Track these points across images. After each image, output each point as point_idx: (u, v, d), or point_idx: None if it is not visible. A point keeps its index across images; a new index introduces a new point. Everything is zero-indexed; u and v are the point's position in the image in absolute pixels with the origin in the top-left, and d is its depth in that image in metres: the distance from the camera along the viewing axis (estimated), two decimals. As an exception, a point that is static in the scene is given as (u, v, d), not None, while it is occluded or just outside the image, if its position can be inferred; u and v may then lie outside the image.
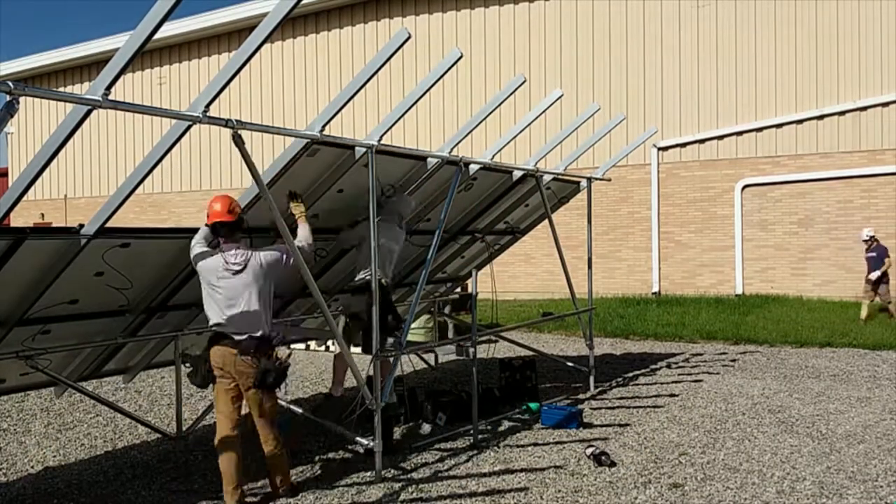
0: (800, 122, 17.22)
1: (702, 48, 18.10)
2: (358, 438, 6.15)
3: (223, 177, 23.57)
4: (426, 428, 7.32)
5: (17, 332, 5.43)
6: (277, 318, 6.55)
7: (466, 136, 7.07)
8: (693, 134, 18.17)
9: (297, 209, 5.73)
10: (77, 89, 25.74)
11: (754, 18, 17.60)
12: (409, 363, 10.19)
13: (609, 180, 11.53)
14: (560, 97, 7.61)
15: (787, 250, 17.35)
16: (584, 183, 9.64)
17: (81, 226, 5.00)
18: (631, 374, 10.15)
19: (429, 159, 6.82)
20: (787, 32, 17.31)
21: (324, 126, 5.46)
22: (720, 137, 17.95)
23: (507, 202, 8.79)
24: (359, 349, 6.98)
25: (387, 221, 6.79)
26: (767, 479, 5.79)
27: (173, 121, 4.77)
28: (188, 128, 4.76)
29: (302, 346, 10.72)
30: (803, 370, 10.23)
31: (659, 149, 18.38)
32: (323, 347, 10.95)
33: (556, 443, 6.83)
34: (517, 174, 8.25)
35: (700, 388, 9.14)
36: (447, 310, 11.16)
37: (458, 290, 11.78)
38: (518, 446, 6.78)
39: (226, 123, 4.68)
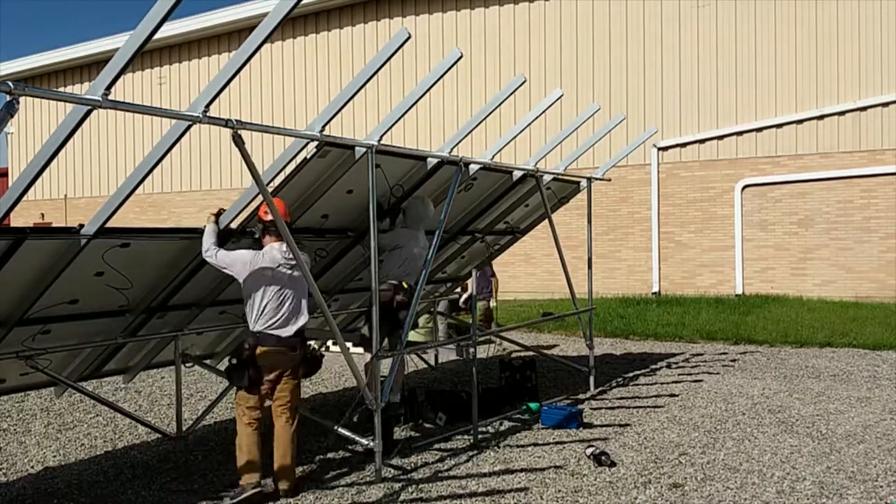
0: (800, 122, 17.21)
1: (702, 48, 18.10)
2: (358, 438, 6.15)
3: (223, 177, 23.57)
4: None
5: (17, 332, 5.43)
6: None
7: (466, 136, 7.07)
8: (693, 134, 18.17)
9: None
10: (77, 89, 25.74)
11: (754, 18, 17.59)
12: (409, 363, 10.18)
13: (609, 180, 11.54)
14: (560, 97, 7.60)
15: (787, 250, 17.34)
16: (584, 183, 9.64)
17: (81, 226, 4.99)
18: (631, 374, 10.15)
19: (429, 159, 6.82)
20: (787, 32, 17.31)
21: (324, 126, 5.47)
22: (720, 137, 17.94)
23: (507, 202, 8.79)
24: (360, 349, 6.99)
25: (413, 229, 7.10)
26: (767, 479, 5.79)
27: (173, 121, 4.77)
28: (188, 128, 4.76)
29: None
30: (803, 370, 10.23)
31: (659, 149, 18.38)
32: (323, 348, 10.94)
33: (556, 443, 6.83)
34: (517, 174, 8.25)
35: (700, 388, 9.14)
36: (440, 307, 11.20)
37: (458, 290, 11.79)
38: (518, 446, 6.78)
39: (226, 123, 4.68)
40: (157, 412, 8.38)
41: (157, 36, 4.09)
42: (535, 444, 6.81)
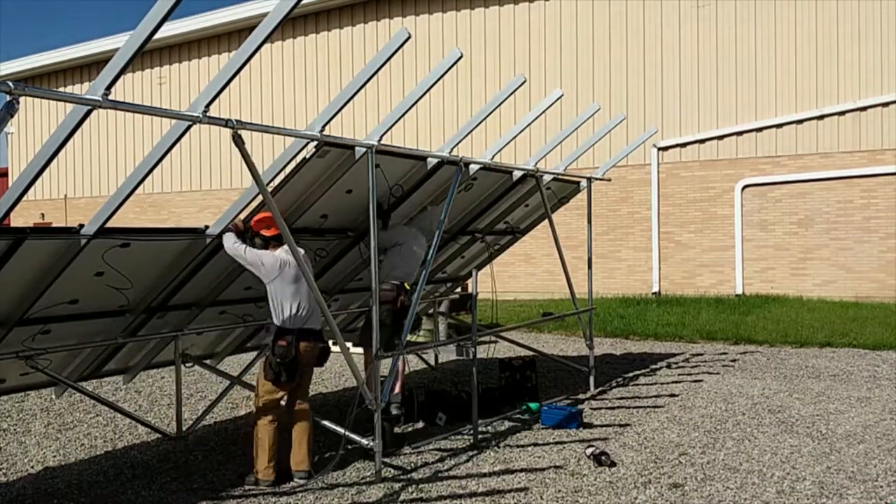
0: (800, 122, 17.21)
1: (702, 48, 18.10)
2: (358, 438, 6.15)
3: (223, 177, 23.57)
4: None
5: (17, 332, 5.43)
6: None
7: (466, 136, 7.08)
8: (693, 134, 18.16)
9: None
10: (77, 89, 25.73)
11: (754, 18, 17.59)
12: (409, 363, 10.17)
13: (609, 180, 11.53)
14: (560, 97, 7.61)
15: (787, 250, 17.34)
16: (584, 183, 9.64)
17: (81, 226, 4.99)
18: (631, 374, 10.15)
19: (429, 159, 6.82)
20: (787, 32, 17.31)
21: (324, 126, 5.47)
22: (720, 137, 17.94)
23: (507, 202, 8.79)
24: (360, 349, 7.00)
25: (416, 229, 7.31)
26: (767, 479, 5.79)
27: (173, 121, 4.78)
28: (188, 128, 4.77)
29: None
30: (803, 370, 10.23)
31: (659, 149, 18.38)
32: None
33: (556, 443, 6.83)
34: (517, 174, 8.25)
35: (700, 388, 9.14)
36: (442, 307, 11.16)
37: (459, 290, 11.77)
38: (518, 446, 6.78)
39: (226, 123, 4.68)
40: (157, 412, 8.38)
41: (157, 36, 4.09)
42: (535, 444, 6.81)
